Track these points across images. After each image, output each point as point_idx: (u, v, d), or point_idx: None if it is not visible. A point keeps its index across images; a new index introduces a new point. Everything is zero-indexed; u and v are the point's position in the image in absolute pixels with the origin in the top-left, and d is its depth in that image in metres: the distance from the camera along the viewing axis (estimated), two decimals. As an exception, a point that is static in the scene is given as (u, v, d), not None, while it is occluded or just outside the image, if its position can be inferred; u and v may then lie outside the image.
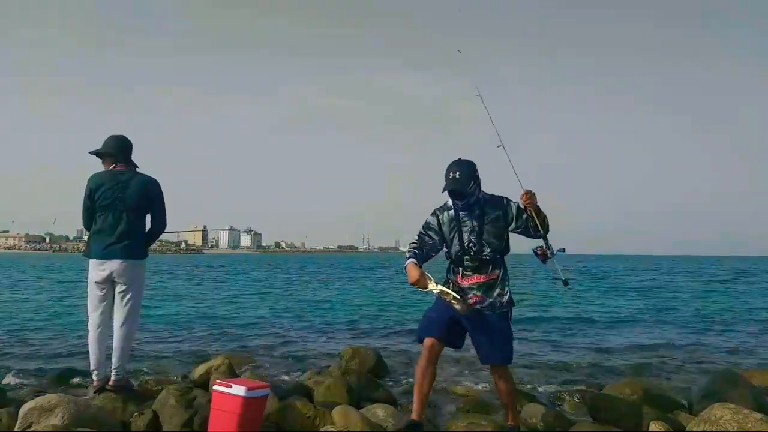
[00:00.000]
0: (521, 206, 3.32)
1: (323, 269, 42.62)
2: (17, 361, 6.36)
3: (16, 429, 3.19)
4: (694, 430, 3.43)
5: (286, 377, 5.58)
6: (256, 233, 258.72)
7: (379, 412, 3.90)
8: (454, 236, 3.37)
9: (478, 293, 3.30)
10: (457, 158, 3.36)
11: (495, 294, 3.31)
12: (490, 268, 3.33)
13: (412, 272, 3.25)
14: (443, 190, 3.31)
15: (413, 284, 3.25)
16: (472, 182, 3.28)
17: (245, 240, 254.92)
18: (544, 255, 3.34)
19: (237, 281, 26.44)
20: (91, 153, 4.07)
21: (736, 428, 3.25)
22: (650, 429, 3.56)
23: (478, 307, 3.27)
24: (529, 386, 5.24)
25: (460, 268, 3.36)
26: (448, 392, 5.10)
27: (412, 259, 3.30)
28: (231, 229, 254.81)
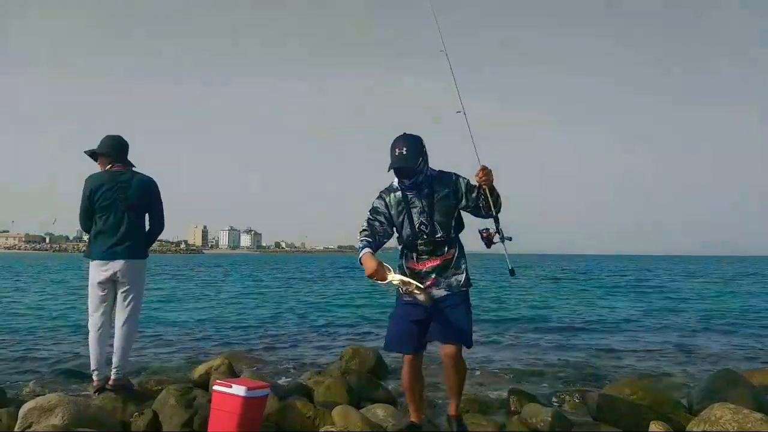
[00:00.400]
0: (472, 183, 3.11)
1: (323, 269, 42.61)
2: (17, 362, 6.36)
3: (16, 429, 3.19)
4: (694, 430, 3.43)
5: (286, 377, 5.58)
6: (256, 233, 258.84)
7: (379, 412, 3.90)
8: (403, 219, 3.13)
9: (434, 275, 3.10)
10: (402, 133, 3.08)
11: (451, 274, 3.11)
12: (446, 249, 3.13)
13: (369, 263, 2.90)
14: (389, 169, 3.04)
15: (371, 276, 2.90)
16: (420, 158, 3.03)
17: (245, 240, 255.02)
18: (489, 238, 3.12)
19: (236, 281, 26.44)
20: (86, 152, 4.06)
21: (736, 428, 3.25)
22: (650, 429, 3.56)
23: (434, 291, 3.07)
24: (529, 386, 5.23)
25: (414, 253, 3.15)
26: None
27: (366, 249, 2.97)
28: (231, 229, 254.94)
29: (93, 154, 4.06)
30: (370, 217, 3.14)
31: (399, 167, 3.04)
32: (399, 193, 3.14)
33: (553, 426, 3.79)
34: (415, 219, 3.10)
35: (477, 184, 3.07)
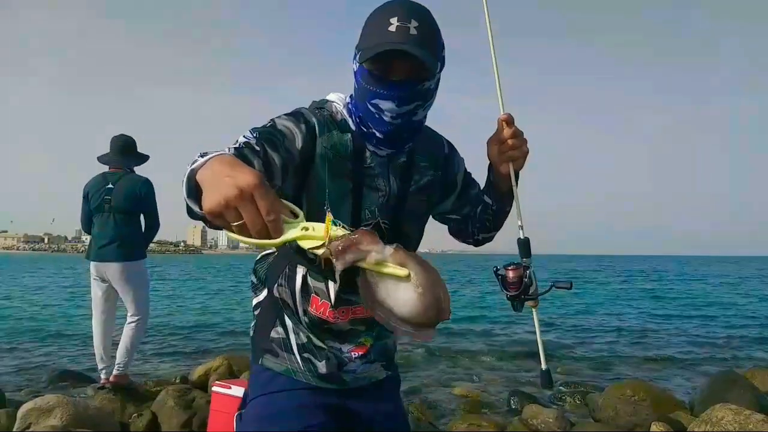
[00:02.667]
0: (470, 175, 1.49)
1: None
2: (16, 362, 6.34)
3: (15, 429, 3.18)
4: (696, 430, 3.42)
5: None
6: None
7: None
8: (338, 203, 1.25)
9: (365, 336, 1.35)
10: None
11: (387, 331, 1.39)
12: None
13: (242, 173, 0.84)
14: (361, 59, 1.16)
15: (229, 206, 0.81)
16: (438, 71, 1.21)
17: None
18: (518, 284, 1.32)
19: (235, 281, 26.42)
20: (98, 159, 4.11)
21: (737, 429, 3.24)
22: (651, 429, 3.55)
23: (363, 369, 1.36)
24: (530, 387, 5.22)
25: (330, 285, 1.29)
26: (448, 392, 5.08)
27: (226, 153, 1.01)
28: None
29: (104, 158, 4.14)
30: (258, 143, 1.09)
31: (400, 79, 1.16)
32: (349, 140, 1.26)
33: (555, 426, 3.78)
34: (366, 212, 1.29)
35: (494, 163, 1.34)
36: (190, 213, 0.89)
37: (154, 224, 4.06)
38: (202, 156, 0.90)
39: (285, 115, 1.23)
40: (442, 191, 1.44)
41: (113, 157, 4.00)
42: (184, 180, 0.86)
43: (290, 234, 0.82)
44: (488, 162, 1.36)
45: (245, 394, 1.42)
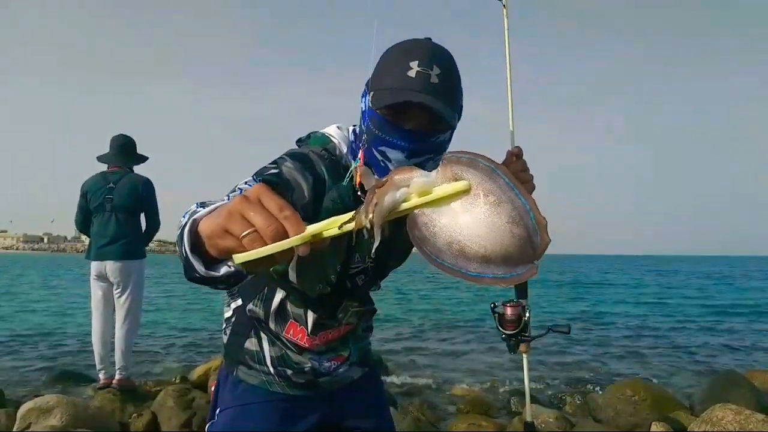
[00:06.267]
0: None
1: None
2: (16, 362, 6.34)
3: (14, 429, 3.18)
4: (696, 430, 3.42)
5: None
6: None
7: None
8: (336, 251, 1.22)
9: (343, 351, 1.36)
10: (428, 39, 1.11)
11: (361, 335, 1.42)
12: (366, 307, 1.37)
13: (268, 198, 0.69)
14: (375, 104, 1.05)
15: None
16: (456, 119, 1.12)
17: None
18: (516, 322, 1.38)
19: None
20: (98, 158, 4.11)
21: (737, 429, 3.24)
22: (652, 429, 3.55)
23: (344, 370, 1.36)
24: (530, 387, 5.22)
25: (307, 311, 1.26)
26: (448, 392, 5.08)
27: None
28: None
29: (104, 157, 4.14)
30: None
31: (418, 127, 1.05)
32: (347, 190, 1.15)
33: (555, 427, 3.78)
34: (358, 257, 1.24)
35: None
36: (190, 272, 0.75)
37: (154, 224, 4.07)
38: (200, 206, 0.78)
39: (290, 159, 1.10)
40: None
41: (113, 156, 4.01)
42: (185, 232, 0.73)
43: (315, 226, 0.63)
44: None
45: (214, 402, 1.35)
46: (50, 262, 59.60)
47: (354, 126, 1.21)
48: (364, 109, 1.10)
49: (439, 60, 1.04)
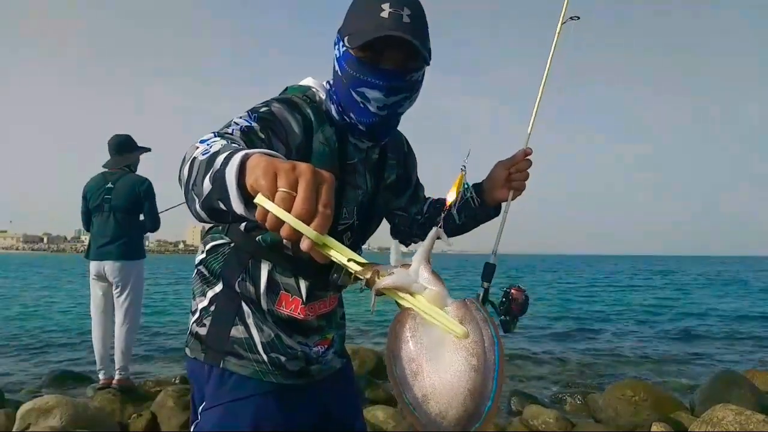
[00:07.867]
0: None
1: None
2: (16, 362, 6.34)
3: (14, 430, 3.18)
4: (696, 430, 3.42)
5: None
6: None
7: (379, 413, 3.88)
8: None
9: (329, 333, 1.35)
10: None
11: (340, 320, 1.42)
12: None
13: (323, 176, 0.69)
14: (351, 44, 1.09)
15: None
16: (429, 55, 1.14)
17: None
18: (522, 305, 1.39)
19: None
20: (103, 166, 4.11)
21: (738, 429, 3.24)
22: (652, 430, 3.55)
23: (330, 359, 1.37)
24: (530, 388, 5.22)
25: (298, 280, 1.24)
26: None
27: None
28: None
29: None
30: (259, 132, 1.03)
31: (395, 65, 1.10)
32: (332, 133, 1.19)
33: (555, 427, 3.78)
34: (346, 212, 1.24)
35: (472, 193, 1.39)
36: (209, 201, 0.73)
37: (153, 224, 4.07)
38: (217, 135, 0.85)
39: (277, 101, 1.13)
40: (399, 186, 1.42)
41: (112, 159, 4.03)
42: (234, 160, 0.70)
43: (333, 240, 0.67)
44: (481, 180, 1.40)
45: (193, 400, 1.26)
46: (50, 262, 59.59)
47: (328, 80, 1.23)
48: (338, 55, 1.13)
49: (408, 2, 1.09)
